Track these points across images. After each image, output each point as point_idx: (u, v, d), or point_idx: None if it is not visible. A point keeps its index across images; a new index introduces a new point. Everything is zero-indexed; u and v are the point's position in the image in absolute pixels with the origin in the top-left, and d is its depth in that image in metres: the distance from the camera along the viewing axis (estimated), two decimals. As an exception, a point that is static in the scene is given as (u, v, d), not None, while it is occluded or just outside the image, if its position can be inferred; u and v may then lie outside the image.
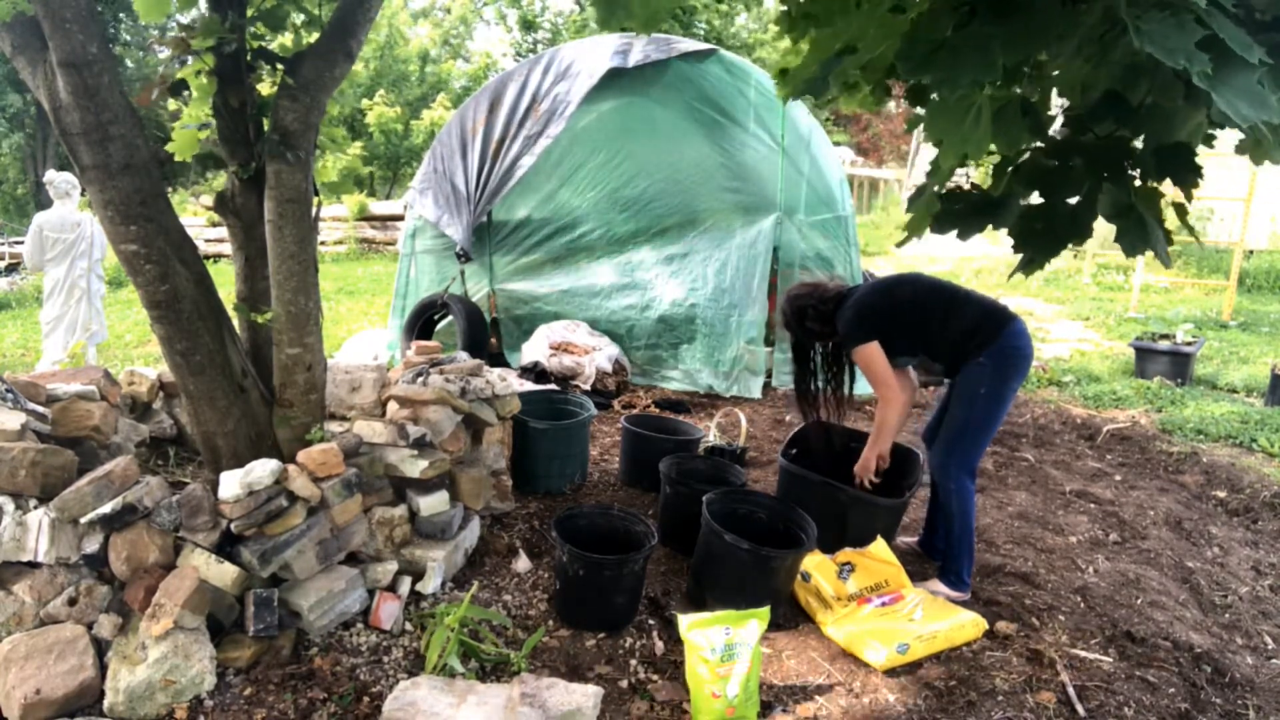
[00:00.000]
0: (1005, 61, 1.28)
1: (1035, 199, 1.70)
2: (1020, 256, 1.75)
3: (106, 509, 2.20)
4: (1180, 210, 1.68)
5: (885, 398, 2.99)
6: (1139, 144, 1.62)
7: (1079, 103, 1.64)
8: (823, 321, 3.08)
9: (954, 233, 1.77)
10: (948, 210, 1.76)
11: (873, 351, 2.93)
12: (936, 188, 1.79)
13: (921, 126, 2.29)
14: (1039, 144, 1.66)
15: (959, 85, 1.29)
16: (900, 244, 1.95)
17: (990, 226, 1.73)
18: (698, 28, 17.33)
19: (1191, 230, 1.71)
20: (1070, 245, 1.68)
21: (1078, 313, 9.63)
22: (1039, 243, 1.68)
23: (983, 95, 1.42)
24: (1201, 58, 1.17)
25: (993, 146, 1.53)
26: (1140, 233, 1.59)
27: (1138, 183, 1.63)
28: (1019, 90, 1.54)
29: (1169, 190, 1.69)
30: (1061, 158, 1.65)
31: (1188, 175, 1.59)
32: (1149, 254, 1.63)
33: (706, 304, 6.23)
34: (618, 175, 6.26)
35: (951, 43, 1.33)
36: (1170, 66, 1.16)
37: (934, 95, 1.56)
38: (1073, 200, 1.64)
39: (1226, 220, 10.76)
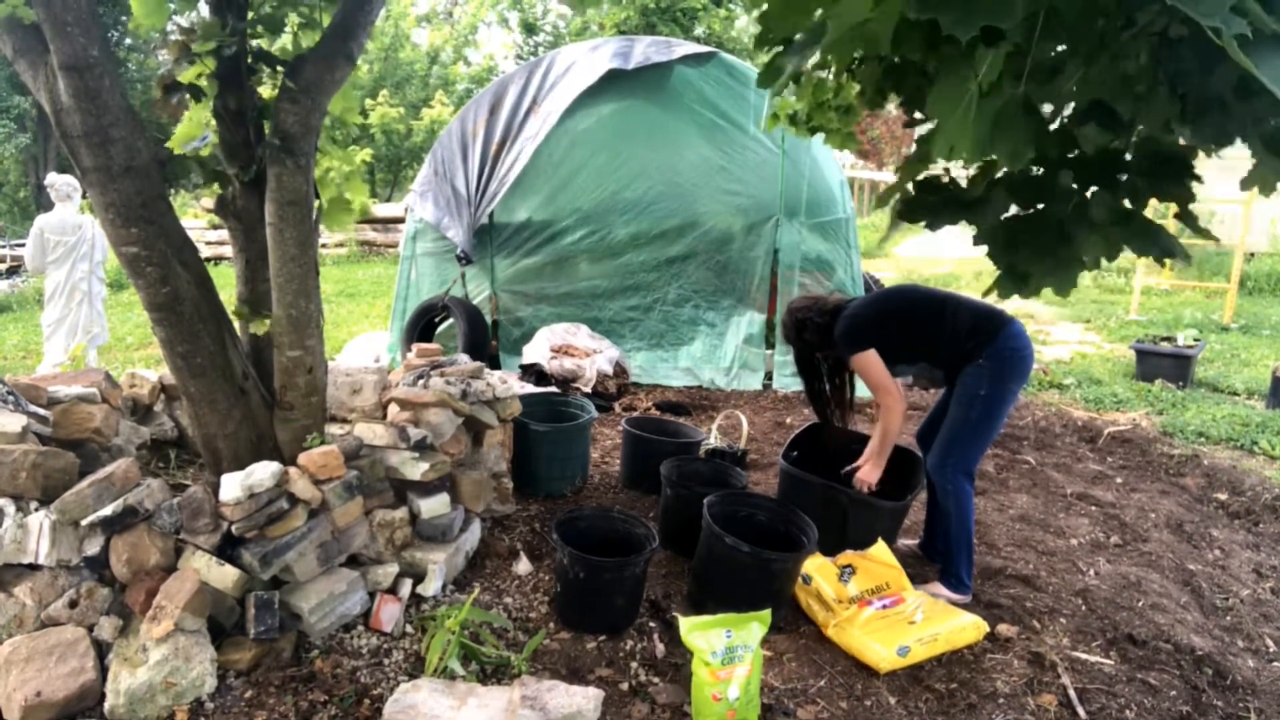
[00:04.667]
0: (1022, 7, 1.23)
1: (1017, 208, 1.63)
2: (999, 273, 1.66)
3: (107, 511, 2.20)
4: (1187, 217, 1.60)
5: (886, 404, 3.00)
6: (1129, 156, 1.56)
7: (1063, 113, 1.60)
8: (821, 334, 3.11)
9: (923, 224, 1.71)
10: (922, 200, 1.71)
11: (870, 358, 2.95)
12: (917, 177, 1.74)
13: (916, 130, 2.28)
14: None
15: (971, 26, 1.20)
16: (882, 240, 1.94)
17: (965, 221, 1.67)
18: (698, 31, 17.35)
19: (1206, 233, 1.63)
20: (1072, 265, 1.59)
21: (1079, 315, 9.63)
22: (1025, 255, 1.60)
23: (975, 84, 1.37)
24: (1239, 21, 1.08)
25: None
26: (1146, 235, 1.52)
27: (1127, 201, 1.56)
28: (1021, 89, 1.49)
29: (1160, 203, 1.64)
30: (1049, 168, 1.59)
31: (1183, 187, 1.52)
32: (1145, 256, 1.59)
33: (707, 306, 6.24)
34: (618, 178, 6.27)
35: None
36: (1164, 78, 1.11)
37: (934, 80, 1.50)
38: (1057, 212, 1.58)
39: (1227, 223, 10.78)
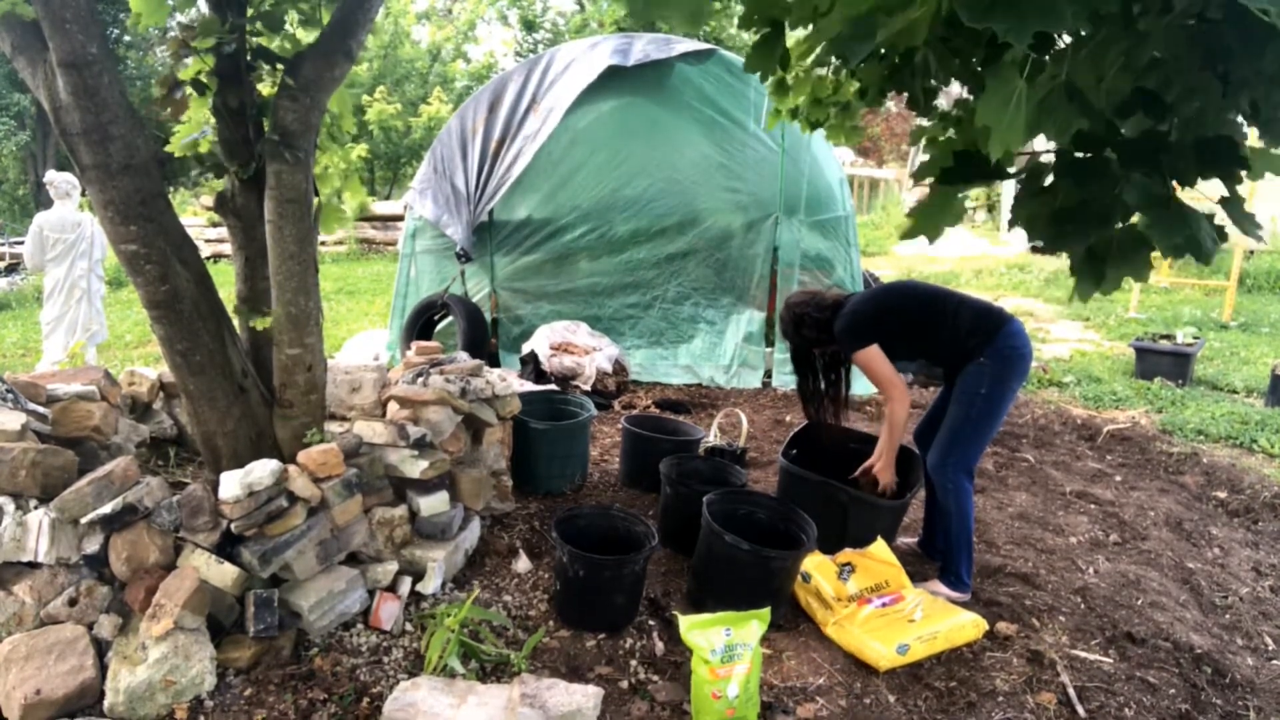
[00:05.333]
0: (1071, 11, 1.22)
1: (1063, 189, 1.61)
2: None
3: (107, 509, 2.20)
4: (1231, 203, 1.53)
5: (892, 396, 2.99)
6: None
7: (1104, 104, 1.58)
8: (820, 329, 3.11)
9: (958, 190, 1.71)
10: (959, 168, 1.70)
11: (872, 354, 2.95)
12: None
13: (922, 141, 2.27)
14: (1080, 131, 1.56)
15: (1024, 34, 1.22)
16: (905, 236, 1.91)
17: (995, 182, 1.67)
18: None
19: (1251, 223, 1.52)
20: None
21: (1078, 313, 9.62)
22: (1071, 242, 1.59)
23: (1021, 83, 1.37)
24: None
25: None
26: (1179, 224, 1.45)
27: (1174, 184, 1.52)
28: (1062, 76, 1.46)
29: (1207, 190, 1.56)
30: (1095, 151, 1.57)
31: (1232, 168, 1.48)
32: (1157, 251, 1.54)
33: (706, 304, 6.24)
34: (618, 175, 6.26)
35: None
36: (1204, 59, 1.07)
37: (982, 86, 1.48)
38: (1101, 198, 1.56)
39: (1227, 221, 10.78)
